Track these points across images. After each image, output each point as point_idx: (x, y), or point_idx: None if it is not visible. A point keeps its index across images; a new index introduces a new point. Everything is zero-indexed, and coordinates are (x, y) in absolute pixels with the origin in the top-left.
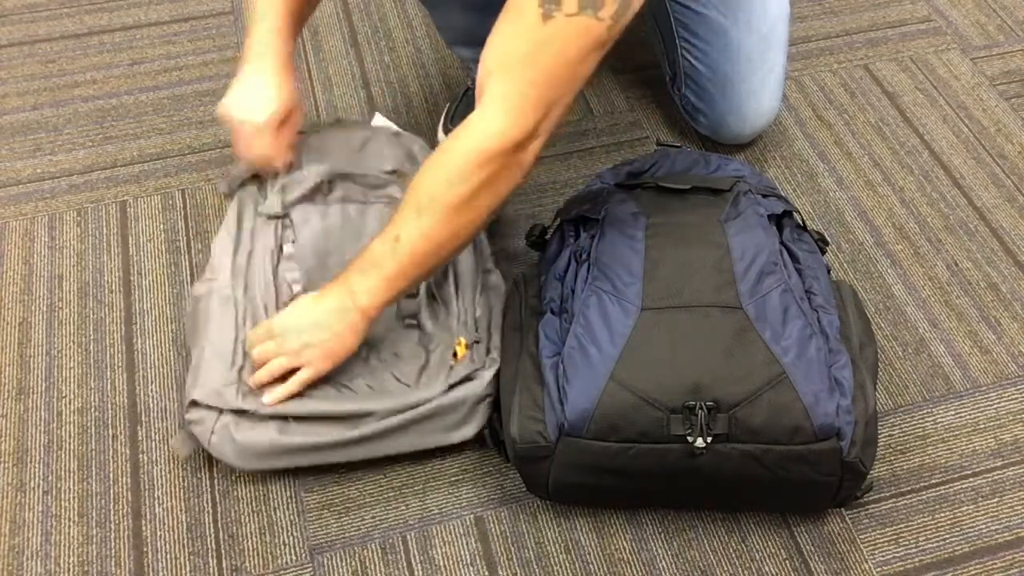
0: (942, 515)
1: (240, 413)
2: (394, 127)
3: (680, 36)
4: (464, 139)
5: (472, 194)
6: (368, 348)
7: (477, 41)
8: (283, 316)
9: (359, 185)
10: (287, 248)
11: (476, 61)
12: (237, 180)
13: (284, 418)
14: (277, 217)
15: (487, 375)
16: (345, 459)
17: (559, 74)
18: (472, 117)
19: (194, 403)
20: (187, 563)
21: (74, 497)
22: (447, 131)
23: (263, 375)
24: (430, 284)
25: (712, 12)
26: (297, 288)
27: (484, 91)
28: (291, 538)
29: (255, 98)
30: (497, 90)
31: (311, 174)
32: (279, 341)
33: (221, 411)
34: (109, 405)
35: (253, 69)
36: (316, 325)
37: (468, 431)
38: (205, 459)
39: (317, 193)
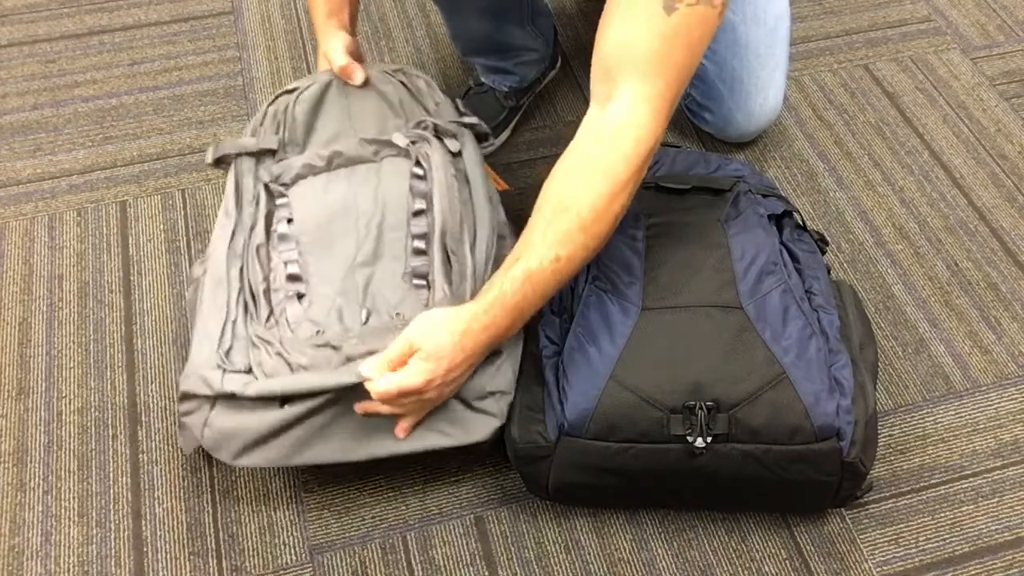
0: (942, 515)
1: (229, 398)
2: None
3: None
4: (620, 146)
5: (628, 198)
6: (368, 310)
7: (491, 49)
8: (431, 364)
9: (364, 146)
10: (281, 228)
11: (489, 68)
12: (225, 151)
13: (277, 401)
14: (276, 194)
15: (504, 368)
16: (344, 455)
17: (687, 65)
18: (617, 121)
19: (185, 396)
20: (187, 563)
21: (74, 497)
22: None
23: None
24: (445, 242)
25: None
26: (293, 268)
27: (617, 90)
28: (291, 538)
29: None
30: (638, 91)
31: (306, 157)
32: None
33: (214, 402)
34: (109, 405)
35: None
36: (466, 363)
37: (477, 431)
38: (205, 459)
39: (315, 167)
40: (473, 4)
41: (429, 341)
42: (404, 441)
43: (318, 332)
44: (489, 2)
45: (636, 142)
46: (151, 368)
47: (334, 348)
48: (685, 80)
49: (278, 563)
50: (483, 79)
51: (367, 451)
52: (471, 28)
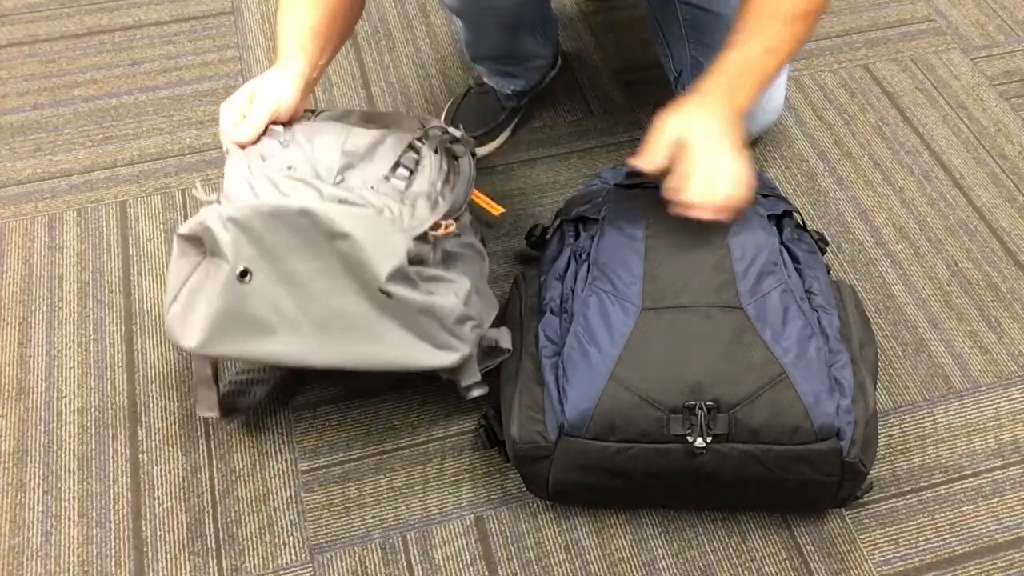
0: (942, 515)
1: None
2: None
3: (690, 37)
4: None
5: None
6: (343, 175)
7: (503, 56)
8: (702, 150)
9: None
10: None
11: (496, 72)
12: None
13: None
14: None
15: (473, 298)
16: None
17: None
18: None
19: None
20: (187, 563)
21: (74, 497)
22: None
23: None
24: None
25: (727, 11)
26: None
27: None
28: (291, 538)
29: (269, 81)
30: None
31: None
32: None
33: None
34: (109, 405)
35: (275, 69)
36: (728, 148)
37: (448, 352)
38: (205, 459)
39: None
40: (494, 18)
41: (693, 126)
42: (372, 354)
43: (290, 168)
44: (509, 16)
45: None
46: (151, 368)
47: (309, 185)
48: None
49: (278, 563)
50: (486, 80)
51: (332, 356)
52: (488, 39)
